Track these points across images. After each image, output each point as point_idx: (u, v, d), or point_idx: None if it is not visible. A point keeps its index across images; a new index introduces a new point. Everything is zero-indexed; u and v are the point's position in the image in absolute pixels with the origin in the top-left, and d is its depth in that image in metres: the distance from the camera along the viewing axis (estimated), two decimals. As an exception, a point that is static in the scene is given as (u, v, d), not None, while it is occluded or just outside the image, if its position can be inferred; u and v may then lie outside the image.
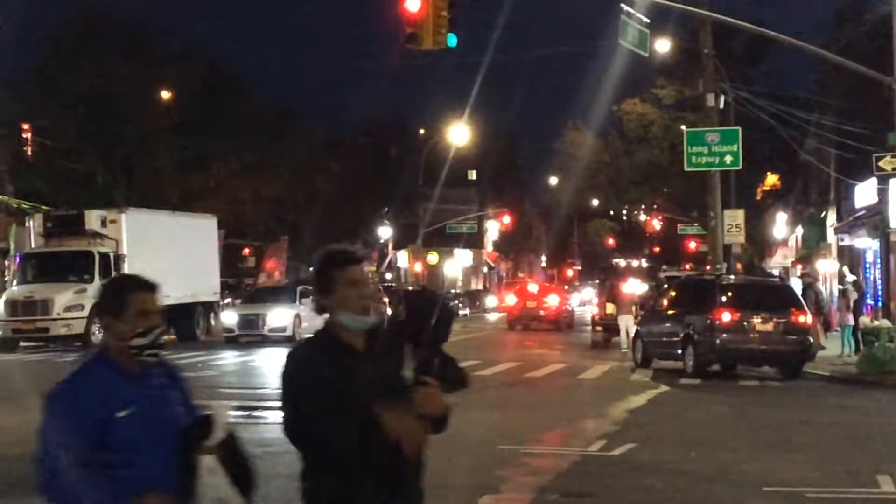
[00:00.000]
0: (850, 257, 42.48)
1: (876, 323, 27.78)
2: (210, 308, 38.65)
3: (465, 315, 62.81)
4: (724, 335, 24.14)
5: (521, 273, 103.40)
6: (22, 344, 32.28)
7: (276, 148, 56.54)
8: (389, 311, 4.49)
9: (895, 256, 33.81)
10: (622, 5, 24.64)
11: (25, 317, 31.62)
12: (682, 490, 11.37)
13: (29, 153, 51.05)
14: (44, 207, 40.22)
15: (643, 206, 79.02)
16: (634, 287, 36.42)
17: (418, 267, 71.62)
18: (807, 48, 27.79)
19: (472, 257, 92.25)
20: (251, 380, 23.87)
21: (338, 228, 59.69)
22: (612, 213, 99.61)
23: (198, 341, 34.93)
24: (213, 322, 38.51)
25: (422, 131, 78.22)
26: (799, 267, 47.32)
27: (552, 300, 48.14)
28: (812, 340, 25.28)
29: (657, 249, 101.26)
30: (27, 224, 36.42)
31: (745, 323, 24.29)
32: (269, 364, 27.65)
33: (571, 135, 71.77)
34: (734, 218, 35.79)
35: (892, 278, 34.58)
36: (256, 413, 16.44)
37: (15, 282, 34.03)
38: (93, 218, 33.86)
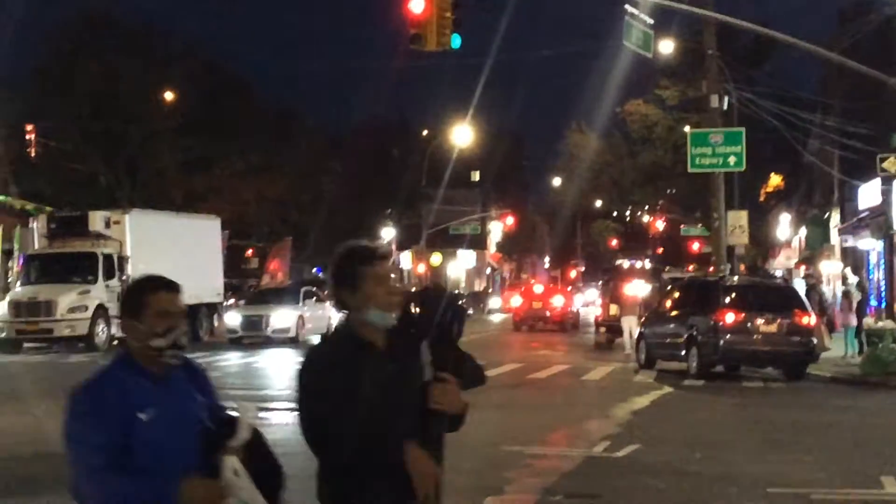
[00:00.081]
0: (853, 258, 42.44)
1: (880, 324, 27.71)
2: (213, 309, 38.66)
3: (469, 315, 62.76)
4: (728, 336, 24.13)
5: (524, 274, 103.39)
6: (25, 345, 32.29)
7: (280, 148, 56.61)
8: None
9: (899, 257, 33.76)
10: (626, 6, 24.60)
11: (29, 318, 31.60)
12: (687, 491, 11.36)
13: (32, 154, 51.09)
14: (47, 208, 40.22)
15: (646, 208, 78.93)
16: (638, 288, 36.40)
17: (421, 268, 71.62)
18: (810, 48, 27.75)
19: (476, 258, 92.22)
20: (255, 381, 23.85)
21: (341, 229, 59.65)
22: (615, 214, 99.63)
23: (201, 342, 34.94)
24: (216, 323, 38.54)
25: (425, 132, 78.20)
26: (802, 268, 47.31)
27: (558, 301, 48.37)
28: (816, 341, 25.25)
29: (660, 251, 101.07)
30: (31, 225, 36.43)
31: (749, 324, 24.27)
32: (273, 365, 27.68)
33: (575, 136, 71.72)
34: (738, 219, 35.76)
35: (896, 279, 34.52)
36: (261, 414, 16.41)
37: (19, 283, 34.06)
38: (96, 219, 33.88)
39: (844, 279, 34.23)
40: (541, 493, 11.26)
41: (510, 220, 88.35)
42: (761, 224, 54.90)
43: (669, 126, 55.88)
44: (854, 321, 29.33)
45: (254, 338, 35.19)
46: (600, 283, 59.04)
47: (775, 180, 59.66)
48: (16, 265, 37.40)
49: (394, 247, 75.70)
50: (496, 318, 64.69)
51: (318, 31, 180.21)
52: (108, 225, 33.86)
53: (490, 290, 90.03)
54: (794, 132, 40.27)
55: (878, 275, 39.67)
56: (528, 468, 12.68)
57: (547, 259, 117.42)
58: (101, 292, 32.36)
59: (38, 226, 35.34)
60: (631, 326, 31.13)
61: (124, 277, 33.03)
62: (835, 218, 46.06)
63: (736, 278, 30.12)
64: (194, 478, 3.94)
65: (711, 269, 37.90)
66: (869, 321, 29.70)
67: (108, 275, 32.77)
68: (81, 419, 3.99)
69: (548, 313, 47.42)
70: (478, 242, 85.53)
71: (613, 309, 35.94)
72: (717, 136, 31.51)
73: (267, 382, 23.50)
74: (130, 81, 48.10)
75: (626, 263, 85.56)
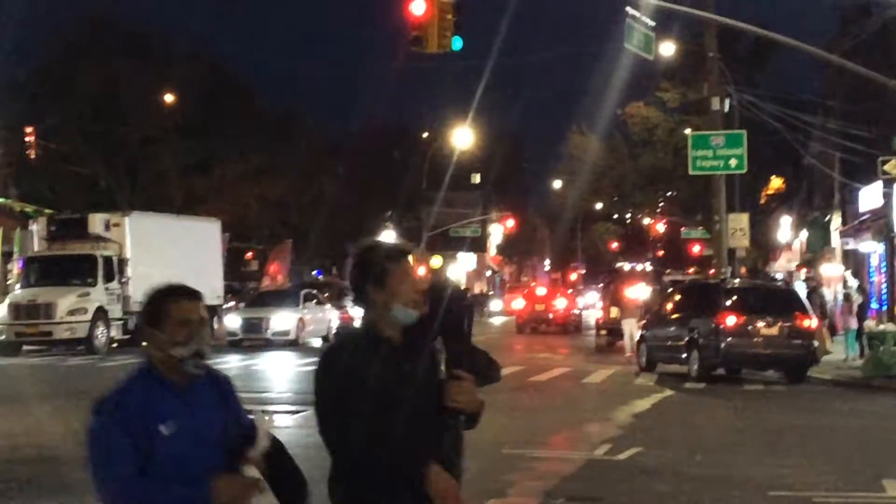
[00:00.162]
0: (854, 261, 42.42)
1: (881, 327, 27.67)
2: (213, 312, 38.55)
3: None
4: (729, 339, 24.10)
5: (524, 277, 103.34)
6: (25, 348, 32.26)
7: (280, 151, 56.54)
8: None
9: (900, 260, 33.74)
10: (627, 9, 24.59)
11: (29, 320, 31.58)
12: (688, 494, 11.33)
13: (32, 156, 51.03)
14: (47, 211, 40.20)
15: (647, 210, 79.00)
16: (638, 291, 36.40)
17: (422, 270, 71.48)
18: (810, 51, 27.74)
19: (476, 261, 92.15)
20: (255, 384, 23.80)
21: (341, 232, 59.64)
22: (616, 216, 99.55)
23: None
24: (216, 326, 38.45)
25: (426, 134, 78.15)
26: (803, 271, 47.22)
27: (560, 304, 48.53)
28: (817, 344, 25.22)
29: (661, 253, 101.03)
30: (30, 228, 36.44)
31: (750, 327, 24.24)
32: (273, 368, 27.67)
33: (576, 138, 71.80)
34: (739, 222, 35.72)
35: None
36: (266, 418, 16.38)
37: (18, 285, 34.06)
38: (96, 221, 33.88)
39: (845, 282, 34.21)
40: (542, 495, 11.26)
41: (511, 223, 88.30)
42: (762, 227, 54.84)
43: (670, 128, 55.94)
44: (855, 324, 29.29)
45: (254, 340, 35.18)
46: (601, 285, 59.08)
47: (776, 183, 59.61)
48: (15, 267, 37.38)
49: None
50: (497, 320, 64.66)
51: (319, 33, 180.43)
52: (107, 227, 33.86)
53: (490, 293, 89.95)
54: (795, 135, 40.29)
55: (879, 278, 39.64)
56: (530, 471, 12.66)
57: (547, 262, 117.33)
58: (101, 295, 32.34)
59: (37, 228, 35.36)
60: (631, 329, 31.12)
61: (124, 280, 33.01)
62: (836, 221, 46.04)
63: (737, 281, 30.12)
64: (224, 475, 3.93)
65: (712, 271, 37.86)
66: (870, 324, 29.66)
67: (108, 277, 32.76)
68: (106, 430, 3.93)
69: (551, 315, 47.66)
70: (478, 245, 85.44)
71: (614, 312, 35.99)
72: (717, 138, 31.48)
73: (267, 385, 23.46)
74: (130, 83, 48.06)
75: (626, 266, 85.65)
